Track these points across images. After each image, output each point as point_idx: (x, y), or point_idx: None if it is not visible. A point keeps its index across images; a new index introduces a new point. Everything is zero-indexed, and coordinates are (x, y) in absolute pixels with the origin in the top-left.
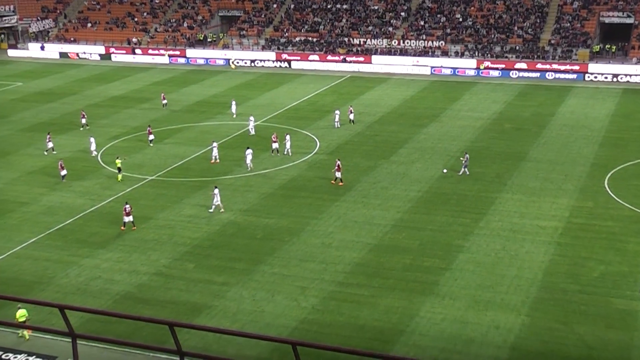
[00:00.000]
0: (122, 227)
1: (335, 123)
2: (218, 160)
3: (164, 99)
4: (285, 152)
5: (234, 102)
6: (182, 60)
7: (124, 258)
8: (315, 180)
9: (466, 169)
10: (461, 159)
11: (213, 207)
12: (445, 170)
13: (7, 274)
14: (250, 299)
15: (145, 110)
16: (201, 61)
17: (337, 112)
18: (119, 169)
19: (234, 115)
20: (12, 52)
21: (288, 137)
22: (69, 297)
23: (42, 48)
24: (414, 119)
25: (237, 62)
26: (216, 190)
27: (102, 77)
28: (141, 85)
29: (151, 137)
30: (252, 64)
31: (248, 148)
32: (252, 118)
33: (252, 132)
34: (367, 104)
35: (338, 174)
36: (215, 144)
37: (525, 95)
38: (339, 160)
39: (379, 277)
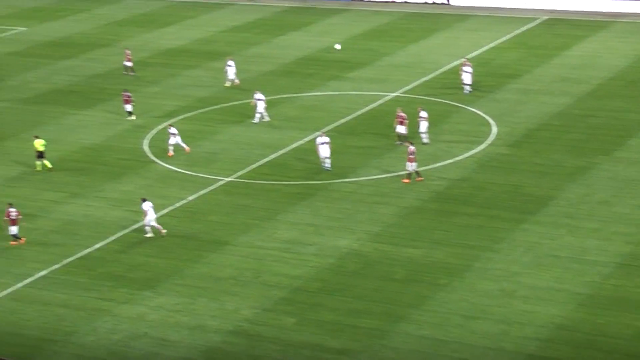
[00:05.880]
0: (14, 242)
1: (465, 87)
2: (171, 153)
3: (129, 59)
4: (425, 141)
5: (230, 63)
6: None
7: (183, 305)
8: (489, 188)
9: None
10: None
11: (148, 229)
12: None
13: (0, 325)
14: None
15: (219, 70)
16: None
17: (466, 67)
18: (40, 154)
19: (230, 83)
20: None
21: (423, 114)
22: None
23: None
24: None
25: None
26: (145, 205)
27: (149, 18)
28: (211, 32)
29: (128, 107)
30: None
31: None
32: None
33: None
34: (574, 64)
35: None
36: (173, 130)
37: None
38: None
39: (597, 349)
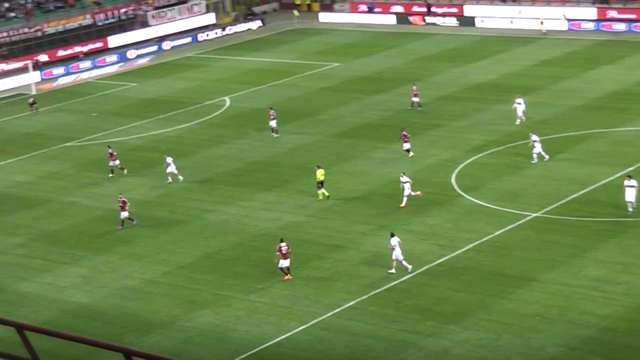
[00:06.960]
0: (287, 276)
1: None
2: (404, 204)
3: (415, 94)
4: None
5: (518, 100)
6: (587, 25)
7: (488, 340)
8: None
9: None
10: None
11: (393, 266)
12: None
13: (309, 353)
14: None
15: (529, 105)
16: (622, 26)
17: None
18: (321, 184)
19: (519, 120)
20: (325, 16)
21: None
22: None
23: (371, 9)
24: None
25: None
26: (393, 240)
27: (459, 53)
28: (521, 66)
29: (407, 145)
30: None
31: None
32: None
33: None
34: None
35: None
36: (405, 179)
37: None
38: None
39: None
